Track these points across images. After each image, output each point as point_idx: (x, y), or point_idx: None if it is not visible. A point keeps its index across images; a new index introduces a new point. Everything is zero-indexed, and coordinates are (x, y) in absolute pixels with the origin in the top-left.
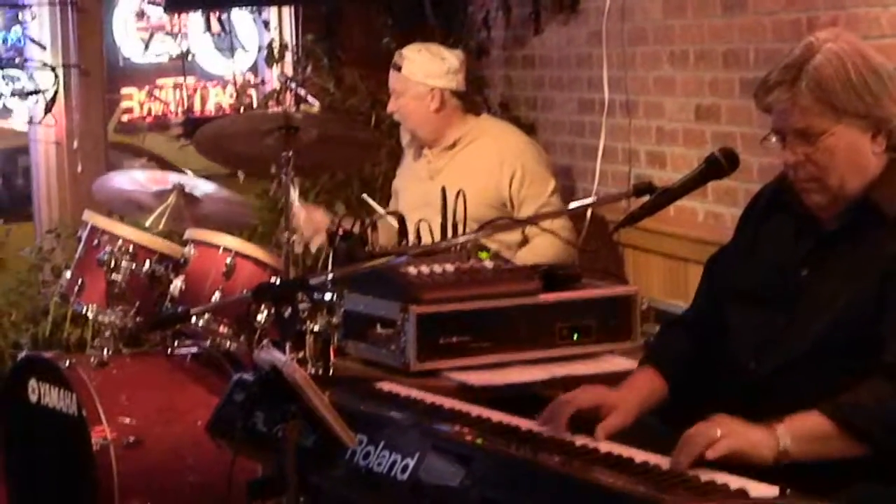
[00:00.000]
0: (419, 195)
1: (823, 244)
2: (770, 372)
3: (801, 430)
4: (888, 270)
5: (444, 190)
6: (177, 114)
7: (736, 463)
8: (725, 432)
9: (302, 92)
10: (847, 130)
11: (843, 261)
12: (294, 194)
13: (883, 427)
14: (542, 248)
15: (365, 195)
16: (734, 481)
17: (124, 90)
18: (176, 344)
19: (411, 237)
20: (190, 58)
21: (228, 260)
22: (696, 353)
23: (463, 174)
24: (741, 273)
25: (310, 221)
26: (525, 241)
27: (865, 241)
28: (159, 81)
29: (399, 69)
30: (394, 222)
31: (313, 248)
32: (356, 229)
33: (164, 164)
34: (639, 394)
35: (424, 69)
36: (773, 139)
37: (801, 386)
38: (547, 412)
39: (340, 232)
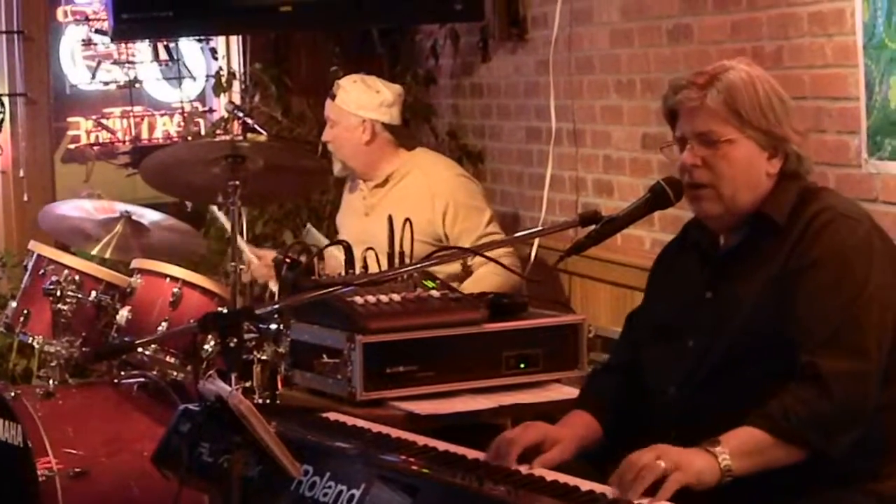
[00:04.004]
0: (357, 231)
1: (722, 264)
2: (690, 393)
3: (740, 446)
4: (782, 274)
5: (390, 218)
6: (124, 142)
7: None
8: (670, 465)
9: (249, 121)
10: (747, 143)
11: (743, 274)
12: (241, 243)
13: (814, 429)
14: (486, 277)
15: (310, 226)
16: None
17: (71, 118)
18: (122, 374)
19: (357, 267)
20: (137, 86)
21: (175, 289)
22: (624, 396)
23: (397, 210)
24: (653, 312)
25: (264, 266)
26: (466, 272)
27: (761, 251)
28: (106, 110)
29: (334, 98)
30: (339, 254)
31: (272, 286)
32: (303, 258)
33: None
34: (576, 432)
35: (357, 100)
36: (675, 148)
37: (723, 399)
38: (492, 452)
39: (287, 261)
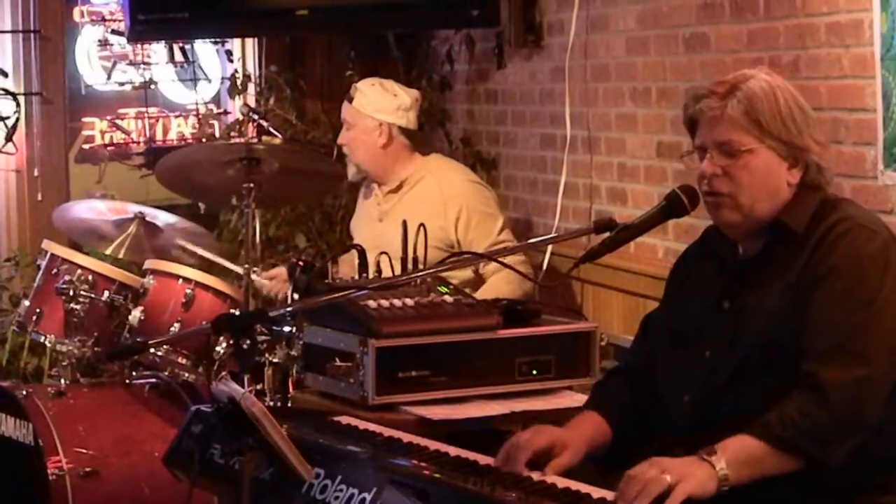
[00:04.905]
0: (371, 237)
1: (740, 274)
2: (705, 401)
3: (736, 455)
4: (798, 283)
5: (405, 224)
6: (138, 143)
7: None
8: (674, 479)
9: (264, 123)
10: (767, 153)
11: (760, 283)
12: (255, 277)
13: (811, 439)
14: (501, 284)
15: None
16: None
17: (86, 119)
18: (134, 374)
19: (371, 271)
20: (152, 87)
21: (188, 290)
22: (636, 399)
23: (410, 216)
24: (670, 318)
25: (279, 283)
26: (478, 279)
27: (779, 260)
28: (121, 111)
29: (351, 101)
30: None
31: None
32: (317, 262)
33: None
34: (585, 434)
35: (375, 103)
36: (695, 156)
37: (738, 408)
38: (502, 455)
39: (301, 264)
